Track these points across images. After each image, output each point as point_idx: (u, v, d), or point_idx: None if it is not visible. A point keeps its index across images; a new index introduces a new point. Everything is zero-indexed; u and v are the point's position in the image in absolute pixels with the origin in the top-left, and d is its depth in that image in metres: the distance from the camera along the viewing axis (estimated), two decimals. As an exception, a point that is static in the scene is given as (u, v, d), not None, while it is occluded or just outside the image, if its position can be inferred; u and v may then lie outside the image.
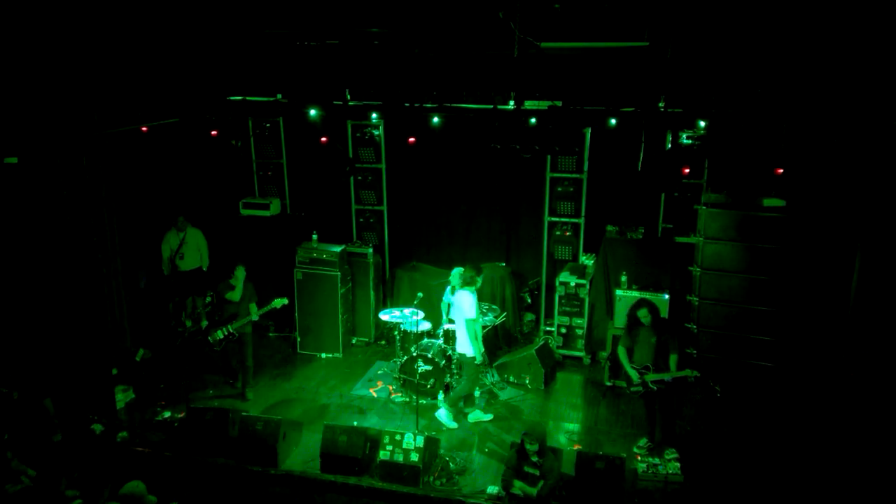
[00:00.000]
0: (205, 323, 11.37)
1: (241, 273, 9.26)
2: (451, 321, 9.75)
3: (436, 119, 8.64)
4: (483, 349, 8.86)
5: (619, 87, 7.56)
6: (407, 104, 8.26)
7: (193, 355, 10.46)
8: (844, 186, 7.99)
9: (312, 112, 8.83)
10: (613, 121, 7.90)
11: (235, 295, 9.25)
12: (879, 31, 6.67)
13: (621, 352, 8.21)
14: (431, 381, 9.21)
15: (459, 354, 8.82)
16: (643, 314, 7.92)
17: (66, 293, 8.43)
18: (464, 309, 8.60)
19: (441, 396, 9.26)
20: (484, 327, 9.59)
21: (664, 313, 9.09)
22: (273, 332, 11.51)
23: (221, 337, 9.34)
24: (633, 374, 8.06)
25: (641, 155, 9.00)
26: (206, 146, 10.69)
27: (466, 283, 8.73)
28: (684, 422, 8.75)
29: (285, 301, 9.53)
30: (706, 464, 7.98)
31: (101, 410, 8.76)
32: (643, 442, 8.30)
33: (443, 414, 8.85)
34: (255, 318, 9.36)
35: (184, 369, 9.66)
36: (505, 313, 10.58)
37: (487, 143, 8.27)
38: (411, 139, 9.45)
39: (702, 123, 7.67)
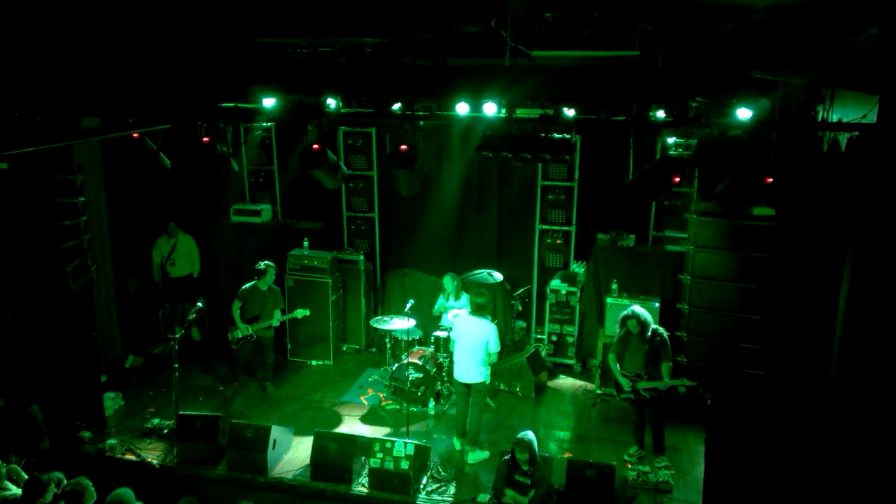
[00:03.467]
0: (195, 331, 11.38)
1: (271, 271, 9.65)
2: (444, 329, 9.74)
3: (427, 127, 8.64)
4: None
5: (610, 95, 7.59)
6: (398, 112, 8.27)
7: (184, 363, 10.42)
8: (834, 195, 8.04)
9: (302, 119, 8.83)
10: (604, 129, 7.93)
11: (263, 283, 9.59)
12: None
13: (611, 359, 8.24)
14: (422, 388, 9.20)
15: (473, 384, 8.21)
16: (632, 325, 7.96)
17: (55, 299, 8.39)
18: (491, 342, 8.08)
19: (431, 403, 9.26)
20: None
21: (655, 321, 9.11)
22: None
23: (240, 336, 9.57)
24: (624, 382, 8.09)
25: (631, 167, 9.04)
26: (198, 152, 10.67)
27: (482, 308, 8.24)
28: (676, 429, 8.79)
29: (307, 312, 9.85)
30: (696, 472, 7.99)
31: (90, 417, 8.72)
32: (633, 450, 8.32)
33: (475, 456, 8.34)
34: (275, 323, 9.65)
35: (174, 376, 9.59)
36: (496, 321, 10.56)
37: (478, 150, 8.28)
38: (403, 146, 9.45)
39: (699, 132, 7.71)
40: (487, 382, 8.33)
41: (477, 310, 8.23)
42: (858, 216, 7.35)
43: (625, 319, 8.08)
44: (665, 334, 8.09)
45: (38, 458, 7.57)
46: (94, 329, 8.97)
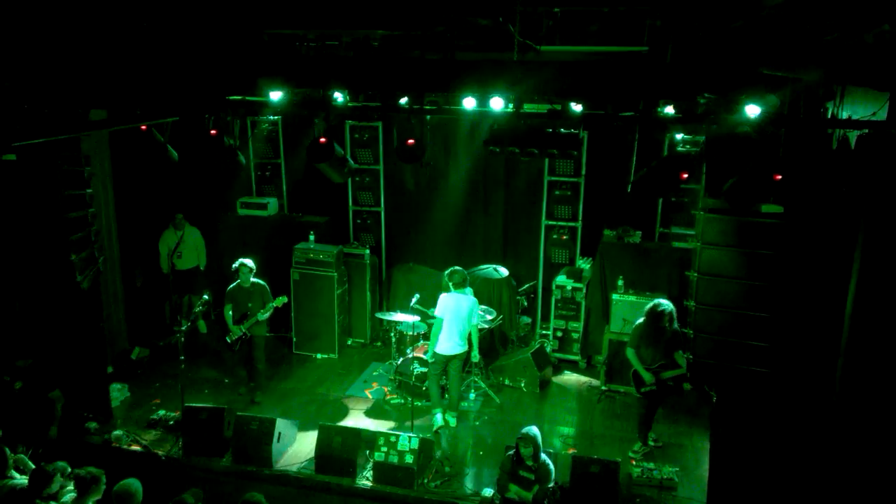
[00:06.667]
0: (202, 323, 11.41)
1: (243, 269, 9.26)
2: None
3: (434, 121, 8.63)
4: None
5: (618, 91, 7.57)
6: (406, 106, 8.26)
7: (190, 355, 10.44)
8: (843, 193, 8.00)
9: (308, 112, 8.82)
10: (612, 125, 7.90)
11: (245, 281, 9.26)
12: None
13: (631, 353, 8.20)
14: (427, 382, 9.19)
15: (458, 355, 8.77)
16: (667, 321, 8.05)
17: (62, 290, 8.42)
18: (474, 312, 8.80)
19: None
20: (480, 330, 9.60)
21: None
22: (269, 332, 11.48)
23: (236, 337, 9.33)
24: (647, 376, 8.10)
25: (634, 162, 9.04)
26: (205, 145, 10.66)
27: (463, 283, 8.81)
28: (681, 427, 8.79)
29: (284, 299, 9.52)
30: (701, 469, 7.98)
31: (97, 408, 8.76)
32: (638, 447, 8.32)
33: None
34: (260, 317, 9.28)
35: (180, 368, 9.62)
36: (501, 316, 10.57)
37: (485, 145, 8.28)
38: (410, 140, 9.43)
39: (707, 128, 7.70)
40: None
41: (459, 285, 8.76)
42: (867, 214, 7.32)
43: (660, 314, 8.05)
44: (678, 324, 8.17)
45: (45, 448, 7.60)
46: (100, 320, 9.00)
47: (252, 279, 9.29)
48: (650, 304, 8.30)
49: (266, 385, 9.79)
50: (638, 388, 8.27)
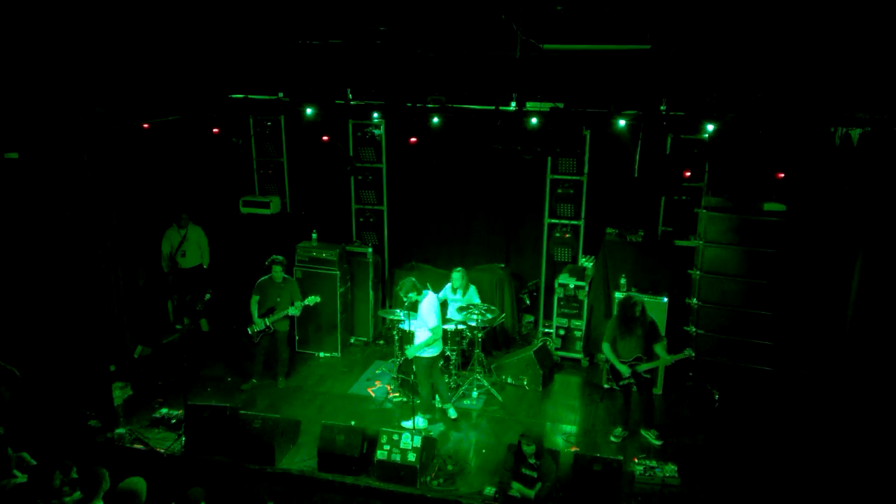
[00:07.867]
0: (204, 322, 11.42)
1: (275, 268, 9.58)
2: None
3: (437, 119, 8.64)
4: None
5: (621, 89, 7.58)
6: (409, 104, 8.27)
7: (192, 353, 10.45)
8: (845, 191, 8.00)
9: (312, 111, 8.83)
10: (614, 123, 7.91)
11: (277, 276, 9.58)
12: (878, 38, 6.68)
13: (607, 347, 8.35)
14: (422, 387, 9.18)
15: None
16: (638, 310, 8.13)
17: (65, 289, 8.42)
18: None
19: (438, 396, 9.26)
20: (483, 328, 9.61)
21: (663, 316, 9.16)
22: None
23: (259, 330, 9.57)
24: (623, 369, 8.26)
25: (637, 159, 9.03)
26: (208, 144, 10.68)
27: (419, 290, 8.62)
28: (683, 425, 8.78)
29: (318, 298, 9.76)
30: (704, 468, 7.98)
31: (99, 406, 8.76)
32: (619, 431, 8.54)
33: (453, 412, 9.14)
34: (291, 313, 9.62)
35: (182, 367, 9.63)
36: (503, 314, 10.58)
37: (489, 143, 8.29)
38: (412, 139, 9.45)
39: (710, 127, 7.70)
40: None
41: (420, 291, 8.64)
42: (870, 211, 7.33)
43: (631, 306, 8.18)
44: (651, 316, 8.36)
45: (48, 447, 7.61)
46: (103, 319, 9.00)
47: (283, 275, 9.60)
48: (621, 298, 8.53)
49: (290, 374, 10.10)
50: (617, 382, 8.50)
